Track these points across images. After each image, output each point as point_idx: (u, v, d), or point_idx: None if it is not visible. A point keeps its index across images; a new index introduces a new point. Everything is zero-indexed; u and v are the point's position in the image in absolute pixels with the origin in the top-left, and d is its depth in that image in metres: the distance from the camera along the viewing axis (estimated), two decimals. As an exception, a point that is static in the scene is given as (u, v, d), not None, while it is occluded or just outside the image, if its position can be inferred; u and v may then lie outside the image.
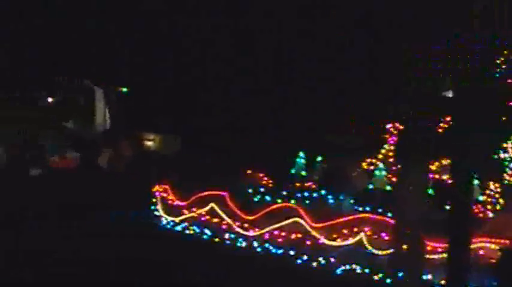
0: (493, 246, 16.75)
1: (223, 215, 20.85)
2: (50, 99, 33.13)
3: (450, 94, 18.34)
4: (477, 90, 16.76)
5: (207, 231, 21.27)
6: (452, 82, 18.14)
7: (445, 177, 19.75)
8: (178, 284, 17.43)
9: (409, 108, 19.93)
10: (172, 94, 32.62)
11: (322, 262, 18.54)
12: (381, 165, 21.07)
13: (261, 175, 22.00)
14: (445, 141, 18.28)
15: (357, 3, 28.09)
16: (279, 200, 20.33)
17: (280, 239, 19.57)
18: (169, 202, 22.54)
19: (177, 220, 22.16)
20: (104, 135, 31.31)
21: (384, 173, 20.63)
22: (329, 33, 29.77)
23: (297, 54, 31.45)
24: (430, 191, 19.02)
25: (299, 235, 19.18)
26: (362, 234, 18.02)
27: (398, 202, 17.45)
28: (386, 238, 17.68)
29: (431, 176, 19.44)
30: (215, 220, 21.09)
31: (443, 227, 16.24)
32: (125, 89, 34.14)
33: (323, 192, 20.23)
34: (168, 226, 22.43)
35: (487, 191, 19.75)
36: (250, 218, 20.29)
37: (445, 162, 19.85)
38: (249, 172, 22.13)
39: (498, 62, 18.14)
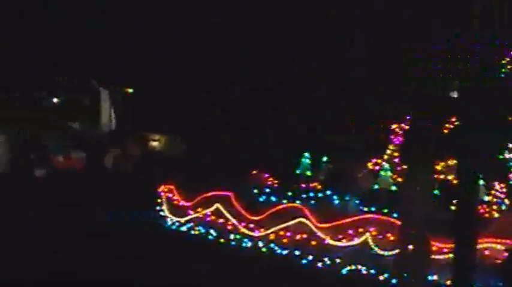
0: (498, 246, 16.77)
1: (229, 216, 20.89)
2: (55, 100, 33.16)
3: (455, 94, 18.45)
4: (482, 91, 16.85)
5: (212, 231, 21.31)
6: (456, 82, 18.26)
7: (450, 177, 19.83)
8: (184, 285, 17.49)
9: (409, 108, 20.09)
10: (177, 95, 32.65)
11: (328, 262, 18.60)
12: (386, 165, 21.09)
13: (266, 175, 22.03)
14: (450, 141, 18.38)
15: (357, 3, 28.14)
16: (285, 201, 20.39)
17: (285, 240, 19.61)
18: (175, 202, 22.56)
19: (182, 220, 22.18)
20: (109, 136, 31.37)
21: (389, 173, 20.67)
22: (329, 33, 29.81)
23: (297, 54, 31.48)
24: (436, 192, 19.10)
25: (304, 236, 19.22)
26: (367, 234, 18.06)
27: (404, 202, 17.52)
28: (392, 238, 17.72)
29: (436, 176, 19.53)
30: (220, 220, 21.12)
31: (448, 227, 16.30)
32: (130, 90, 34.19)
33: (328, 192, 20.26)
34: (174, 227, 22.46)
35: (493, 192, 19.80)
36: (256, 218, 20.32)
37: (450, 162, 19.92)
38: (254, 172, 22.18)
39: (504, 62, 18.23)
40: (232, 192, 21.06)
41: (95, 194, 23.79)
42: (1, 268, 17.67)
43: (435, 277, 16.84)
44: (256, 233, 20.21)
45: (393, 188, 20.42)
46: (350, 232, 18.42)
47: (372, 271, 17.85)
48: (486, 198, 19.51)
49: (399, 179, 20.32)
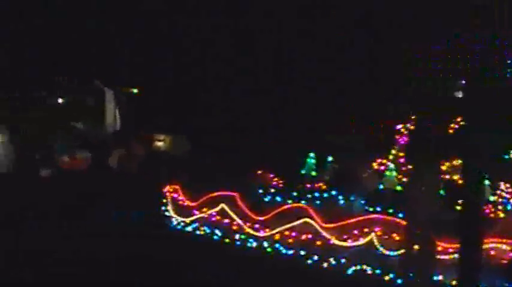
0: (504, 247, 16.85)
1: (234, 216, 20.96)
2: (60, 100, 33.10)
3: (459, 94, 18.53)
4: (486, 91, 16.94)
5: (217, 231, 21.38)
6: (460, 82, 18.34)
7: (455, 177, 19.89)
8: (189, 285, 17.56)
9: (409, 109, 20.18)
10: (182, 95, 32.62)
11: (333, 262, 18.68)
12: (392, 165, 21.14)
13: (271, 175, 22.09)
14: (455, 141, 18.46)
15: (357, 3, 28.15)
16: (290, 201, 20.43)
17: (290, 240, 19.69)
18: (180, 202, 22.61)
19: (187, 220, 22.24)
20: (114, 136, 31.36)
21: (394, 173, 20.73)
22: (329, 33, 29.81)
23: (297, 54, 31.47)
24: (441, 192, 19.17)
25: (309, 236, 19.30)
26: (373, 234, 18.13)
27: (410, 202, 17.61)
28: (397, 238, 17.80)
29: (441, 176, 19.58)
30: (226, 220, 21.19)
31: (454, 227, 16.40)
32: (135, 90, 34.16)
33: (334, 192, 20.30)
34: (179, 227, 22.51)
35: (498, 192, 19.91)
36: (261, 218, 20.39)
37: (455, 162, 19.98)
38: (259, 172, 22.22)
39: (509, 62, 18.30)
40: (238, 192, 21.13)
41: (100, 194, 23.80)
42: (1, 268, 17.68)
43: (440, 277, 16.93)
44: (261, 233, 20.28)
45: (398, 188, 20.51)
46: (355, 232, 18.48)
47: (377, 271, 17.91)
48: (491, 198, 19.63)
49: (404, 179, 20.41)
